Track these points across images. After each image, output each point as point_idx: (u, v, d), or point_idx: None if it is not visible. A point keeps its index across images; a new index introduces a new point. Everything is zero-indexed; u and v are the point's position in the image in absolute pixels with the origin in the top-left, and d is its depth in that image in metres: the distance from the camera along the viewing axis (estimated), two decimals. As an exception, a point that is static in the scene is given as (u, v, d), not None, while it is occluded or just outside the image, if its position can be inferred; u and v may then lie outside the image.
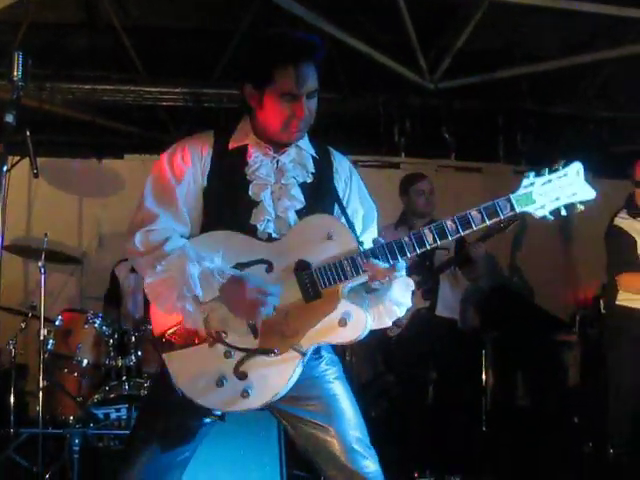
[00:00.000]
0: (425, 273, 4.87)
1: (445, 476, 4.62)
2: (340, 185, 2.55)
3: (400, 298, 2.46)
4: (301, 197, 2.46)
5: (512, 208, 2.29)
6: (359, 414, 2.49)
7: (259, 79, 2.38)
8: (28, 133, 2.78)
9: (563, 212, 2.33)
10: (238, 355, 2.30)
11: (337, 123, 6.63)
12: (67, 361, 4.72)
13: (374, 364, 5.67)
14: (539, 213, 2.32)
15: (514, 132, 7.17)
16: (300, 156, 2.52)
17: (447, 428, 4.93)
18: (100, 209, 6.42)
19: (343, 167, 2.59)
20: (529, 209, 2.31)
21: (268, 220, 2.41)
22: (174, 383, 2.32)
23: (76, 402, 4.59)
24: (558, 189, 2.31)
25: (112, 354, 4.71)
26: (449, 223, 2.29)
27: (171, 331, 2.33)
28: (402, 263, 2.31)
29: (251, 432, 3.60)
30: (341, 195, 2.53)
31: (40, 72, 5.88)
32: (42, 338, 4.63)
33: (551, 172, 2.33)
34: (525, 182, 2.32)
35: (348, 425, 2.43)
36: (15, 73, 2.37)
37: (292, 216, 2.44)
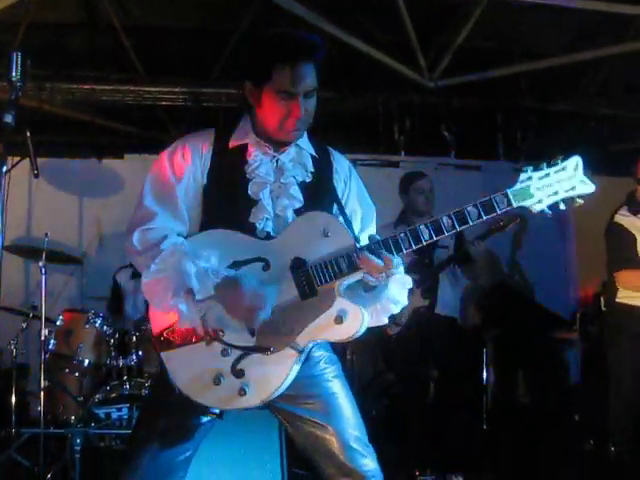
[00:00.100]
0: (424, 271, 4.87)
1: (446, 474, 4.62)
2: (339, 185, 2.55)
3: (397, 296, 2.46)
4: (300, 196, 2.46)
5: (509, 203, 2.27)
6: (358, 412, 2.49)
7: (258, 76, 2.39)
8: (28, 133, 2.79)
9: (562, 206, 2.29)
10: (235, 353, 2.30)
11: (337, 122, 6.64)
12: (68, 361, 4.73)
13: (375, 363, 5.67)
14: (537, 207, 2.29)
15: (514, 130, 7.18)
16: (300, 155, 2.52)
17: (448, 426, 4.93)
18: (100, 209, 6.43)
19: (342, 167, 2.59)
20: (526, 204, 2.28)
21: (267, 219, 2.42)
22: (172, 381, 2.32)
23: (77, 402, 4.60)
24: (556, 183, 2.28)
25: (113, 354, 4.72)
26: (445, 219, 2.28)
27: (169, 330, 2.34)
28: (398, 259, 2.31)
29: (252, 430, 3.60)
30: (340, 195, 2.53)
31: (40, 72, 5.90)
32: (43, 338, 4.64)
33: (549, 166, 2.30)
34: (522, 176, 2.29)
35: (347, 423, 2.43)
36: (14, 73, 2.37)
37: (291, 215, 2.44)
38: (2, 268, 2.29)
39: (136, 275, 4.73)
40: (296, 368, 2.31)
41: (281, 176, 2.47)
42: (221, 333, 2.30)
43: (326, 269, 2.31)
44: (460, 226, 2.28)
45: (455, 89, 6.37)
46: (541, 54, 6.23)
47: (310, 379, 2.43)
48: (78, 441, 4.02)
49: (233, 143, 2.49)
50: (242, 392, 2.28)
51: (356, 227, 2.50)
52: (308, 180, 2.50)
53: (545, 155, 2.38)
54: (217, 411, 2.36)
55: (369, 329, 2.35)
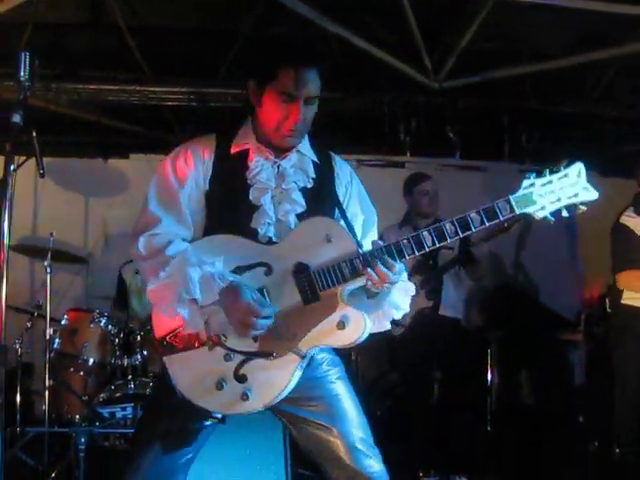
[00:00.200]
0: (429, 273, 4.87)
1: (450, 475, 4.62)
2: (340, 190, 2.56)
3: (399, 303, 2.47)
4: (302, 201, 2.47)
5: (512, 210, 2.27)
6: (362, 414, 2.49)
7: (262, 75, 2.40)
8: (34, 133, 2.79)
9: (565, 213, 2.30)
10: (238, 358, 2.31)
11: (342, 122, 6.64)
12: (73, 360, 4.74)
13: (379, 363, 5.67)
14: (540, 214, 2.29)
15: (519, 131, 7.16)
16: (301, 161, 2.53)
17: (452, 427, 4.93)
18: (106, 209, 6.44)
19: (344, 172, 2.60)
20: (529, 210, 2.29)
21: (269, 224, 2.43)
22: (175, 386, 2.33)
23: (82, 401, 4.61)
24: (559, 190, 2.29)
25: (118, 353, 4.73)
26: (448, 225, 2.28)
27: (172, 334, 2.34)
28: (401, 266, 2.31)
29: (256, 431, 3.59)
30: (341, 199, 2.54)
31: (46, 72, 5.90)
32: (48, 337, 4.66)
33: (552, 173, 2.30)
34: (525, 183, 2.30)
35: (351, 425, 2.44)
36: (22, 73, 2.38)
37: (293, 220, 2.45)
38: (8, 267, 2.29)
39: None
40: (298, 373, 2.32)
41: (282, 182, 2.47)
42: (224, 338, 2.31)
43: (329, 274, 2.31)
44: (463, 232, 2.28)
45: (460, 90, 6.36)
46: (547, 55, 6.21)
47: (313, 381, 2.44)
48: (82, 440, 4.02)
49: (234, 148, 2.51)
50: (244, 397, 2.29)
51: (357, 232, 2.50)
52: (309, 186, 2.50)
53: (550, 156, 2.39)
54: (219, 416, 2.36)
55: (372, 334, 2.35)
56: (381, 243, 2.31)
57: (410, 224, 4.97)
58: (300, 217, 2.46)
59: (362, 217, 2.57)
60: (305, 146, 2.54)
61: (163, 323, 2.36)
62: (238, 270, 2.35)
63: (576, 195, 2.29)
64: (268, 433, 3.65)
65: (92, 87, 6.32)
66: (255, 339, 2.31)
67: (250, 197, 2.44)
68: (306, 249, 2.35)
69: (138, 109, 6.77)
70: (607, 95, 6.69)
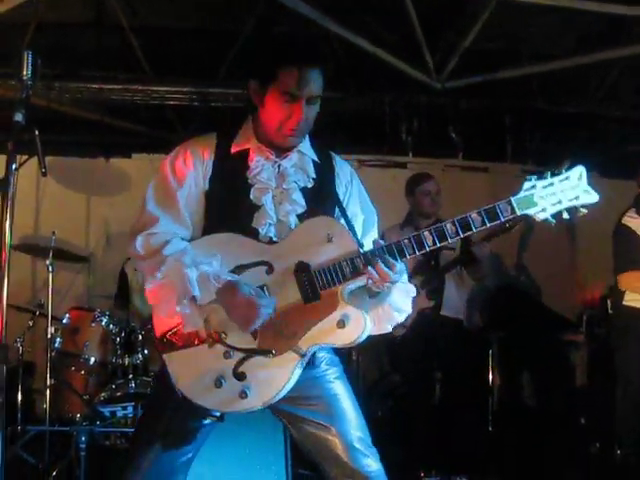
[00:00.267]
0: (430, 273, 4.87)
1: (451, 476, 4.61)
2: (341, 189, 2.56)
3: (400, 304, 2.47)
4: (302, 201, 2.47)
5: (513, 211, 2.28)
6: (360, 414, 2.49)
7: (264, 75, 2.40)
8: (36, 132, 2.79)
9: (565, 215, 2.31)
10: (237, 356, 2.31)
11: (344, 122, 6.64)
12: (74, 359, 4.75)
13: (380, 364, 5.67)
14: (540, 216, 2.30)
15: (521, 132, 7.16)
16: (302, 161, 2.53)
17: (453, 427, 4.92)
18: (107, 208, 6.44)
19: (344, 172, 2.60)
20: (530, 212, 2.30)
21: (269, 224, 2.43)
22: (174, 384, 2.33)
23: (83, 400, 4.61)
24: (560, 192, 2.30)
25: (119, 352, 4.74)
26: (449, 226, 2.29)
27: (172, 332, 2.34)
28: (402, 265, 2.31)
29: (257, 431, 3.59)
30: (341, 199, 2.54)
31: (48, 72, 5.90)
32: (49, 336, 4.66)
33: (553, 175, 2.31)
34: (526, 185, 2.31)
35: (349, 424, 2.44)
36: (24, 72, 2.38)
37: (293, 220, 2.45)
38: (10, 266, 2.29)
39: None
40: (298, 372, 2.32)
41: (283, 182, 2.47)
42: (224, 335, 2.31)
43: (329, 273, 2.31)
44: (464, 233, 2.29)
45: (463, 90, 6.36)
46: (550, 56, 6.21)
47: (312, 381, 2.44)
48: (83, 439, 4.03)
49: (235, 148, 2.50)
50: (243, 395, 2.29)
51: (358, 231, 2.50)
52: (310, 185, 2.50)
53: (553, 157, 2.40)
54: (218, 414, 2.37)
55: (372, 335, 2.35)
56: (382, 242, 2.32)
57: (412, 225, 4.96)
58: (301, 217, 2.45)
59: (362, 217, 2.57)
60: (305, 145, 2.54)
61: (163, 321, 2.36)
62: (239, 269, 2.34)
63: (577, 198, 2.30)
64: (269, 433, 3.65)
65: (94, 86, 6.33)
66: (255, 337, 2.31)
67: (251, 197, 2.44)
68: (307, 248, 2.35)
69: (140, 109, 6.77)
70: (610, 95, 6.68)
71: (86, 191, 6.50)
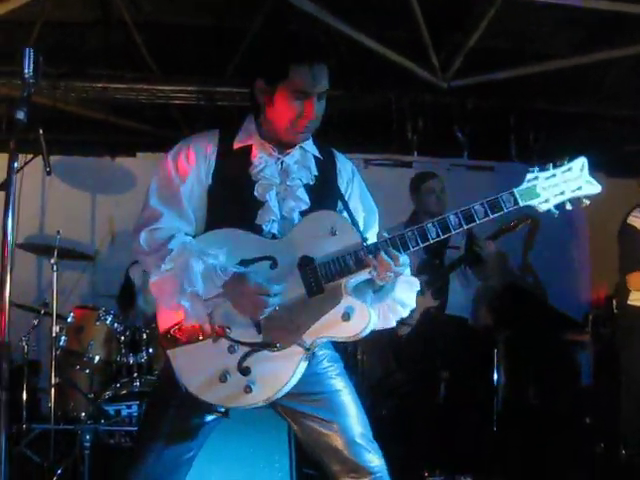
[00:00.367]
0: (435, 272, 4.86)
1: (455, 475, 4.60)
2: (342, 186, 2.56)
3: (404, 298, 2.48)
4: (306, 198, 2.47)
5: (515, 202, 2.31)
6: (362, 409, 2.50)
7: (273, 74, 2.39)
8: (41, 131, 2.79)
9: (568, 206, 2.33)
10: (242, 350, 2.31)
11: (349, 121, 6.63)
12: (79, 358, 4.76)
13: (385, 362, 5.65)
14: (543, 207, 2.33)
15: (527, 130, 7.14)
16: (304, 158, 2.53)
17: (457, 427, 4.91)
18: (113, 207, 6.44)
19: (346, 169, 2.60)
20: (533, 203, 2.32)
21: (273, 220, 2.43)
22: (178, 379, 2.33)
23: (87, 398, 4.62)
24: (562, 183, 2.33)
25: (123, 351, 4.74)
26: (452, 217, 2.31)
27: (176, 327, 2.34)
28: (405, 258, 2.32)
29: (261, 429, 3.60)
30: (343, 195, 2.54)
31: (54, 71, 5.93)
32: (54, 335, 4.67)
33: (555, 167, 2.34)
34: (529, 176, 2.33)
35: (351, 420, 2.44)
36: (26, 70, 2.38)
37: (297, 217, 2.45)
38: (15, 265, 2.30)
39: (148, 271, 4.73)
40: (303, 365, 2.32)
41: (287, 178, 2.48)
42: (228, 330, 2.31)
43: (333, 267, 2.32)
44: (467, 224, 2.30)
45: (468, 89, 6.35)
46: (556, 55, 6.20)
47: (313, 377, 2.44)
48: (88, 437, 4.03)
49: (237, 144, 2.50)
50: (248, 389, 2.29)
51: (360, 226, 2.49)
52: (312, 182, 2.50)
53: (558, 156, 2.40)
54: (222, 409, 2.36)
55: (377, 331, 2.35)
56: (386, 235, 2.33)
57: (416, 224, 4.93)
58: (304, 214, 2.45)
59: (363, 213, 2.58)
60: (308, 142, 2.54)
61: (167, 316, 2.36)
62: (243, 263, 2.35)
63: (579, 188, 2.32)
64: (273, 432, 3.65)
65: (100, 85, 6.33)
66: (259, 331, 2.31)
67: (255, 193, 2.44)
68: (311, 242, 2.36)
69: (146, 107, 6.78)
70: (615, 94, 6.66)
71: (91, 190, 6.50)
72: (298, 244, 2.36)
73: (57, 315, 4.75)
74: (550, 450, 5.10)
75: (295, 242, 2.37)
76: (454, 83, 6.15)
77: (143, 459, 2.42)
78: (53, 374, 4.56)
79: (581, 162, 2.33)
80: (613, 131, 7.10)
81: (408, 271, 2.41)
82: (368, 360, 5.54)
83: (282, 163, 2.50)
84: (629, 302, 4.46)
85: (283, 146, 2.50)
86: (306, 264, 2.34)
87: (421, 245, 2.32)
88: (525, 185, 2.32)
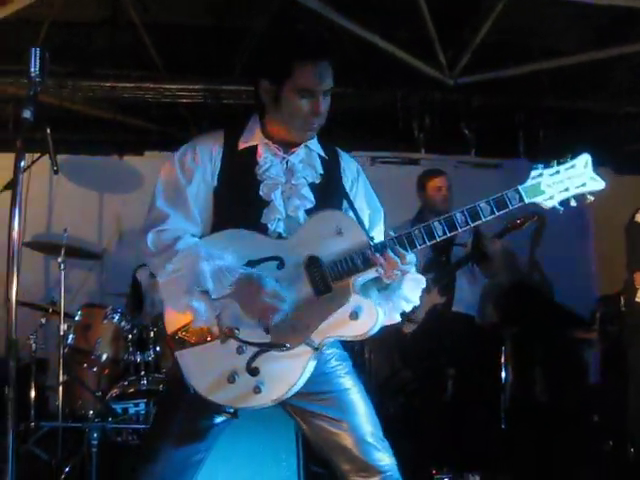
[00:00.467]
0: (442, 269, 4.86)
1: (463, 473, 4.59)
2: (347, 185, 2.56)
3: (410, 296, 2.48)
4: (311, 197, 2.47)
5: (521, 199, 2.33)
6: (371, 407, 2.49)
7: (278, 74, 2.39)
8: (48, 130, 2.80)
9: (573, 203, 2.35)
10: (250, 351, 2.30)
11: (356, 119, 6.62)
12: (86, 356, 4.76)
13: (391, 360, 5.65)
14: (548, 204, 2.34)
15: (534, 128, 7.12)
16: (309, 157, 2.53)
17: (465, 425, 4.91)
18: (120, 205, 6.46)
19: (350, 168, 2.60)
20: (538, 200, 2.34)
21: (279, 219, 2.43)
22: (187, 380, 2.33)
23: (95, 396, 4.63)
24: (567, 180, 2.34)
25: (131, 349, 4.74)
26: (458, 215, 2.32)
27: (183, 329, 2.34)
28: (412, 256, 2.32)
29: (269, 427, 3.59)
30: (348, 194, 2.54)
31: (61, 70, 5.94)
32: (62, 333, 4.68)
33: (559, 164, 2.36)
34: (534, 173, 2.35)
35: (361, 418, 2.43)
36: (33, 69, 2.38)
37: (302, 216, 2.45)
38: (23, 264, 2.31)
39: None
40: (312, 365, 2.32)
41: (292, 177, 2.47)
42: (236, 331, 2.30)
43: (341, 266, 2.32)
44: (473, 222, 2.32)
45: (475, 87, 6.33)
46: (563, 51, 6.18)
47: (322, 376, 2.43)
48: (95, 435, 4.03)
49: (242, 145, 2.50)
50: (257, 390, 2.29)
51: (365, 225, 2.50)
52: (318, 181, 2.51)
53: (566, 153, 2.41)
54: (232, 410, 2.36)
55: (383, 327, 2.35)
56: (392, 233, 2.34)
57: (423, 221, 4.91)
58: (309, 213, 2.46)
59: (368, 212, 2.58)
60: (312, 141, 2.54)
61: (175, 318, 2.36)
62: (250, 264, 2.35)
63: (584, 185, 2.34)
64: (281, 430, 3.64)
65: (107, 84, 6.34)
66: (268, 331, 2.31)
67: (260, 193, 2.44)
68: (317, 242, 2.36)
69: (153, 106, 6.78)
70: (623, 91, 6.63)
71: (99, 189, 6.52)
72: (305, 244, 2.36)
73: (65, 313, 4.76)
74: (558, 448, 5.08)
75: (302, 242, 2.37)
76: (461, 80, 6.14)
77: (152, 460, 2.41)
78: (61, 372, 4.57)
79: (585, 159, 2.35)
80: (621, 128, 7.07)
81: (414, 269, 2.41)
82: (375, 358, 5.54)
83: (287, 162, 2.50)
84: (637, 299, 4.44)
85: (288, 145, 2.50)
86: (313, 264, 2.33)
87: (428, 243, 2.33)
88: (530, 182, 2.34)
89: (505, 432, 5.43)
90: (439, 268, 4.84)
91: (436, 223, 2.32)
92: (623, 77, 6.56)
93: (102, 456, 4.04)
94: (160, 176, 2.49)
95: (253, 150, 2.49)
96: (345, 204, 2.51)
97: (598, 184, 2.34)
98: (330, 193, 2.51)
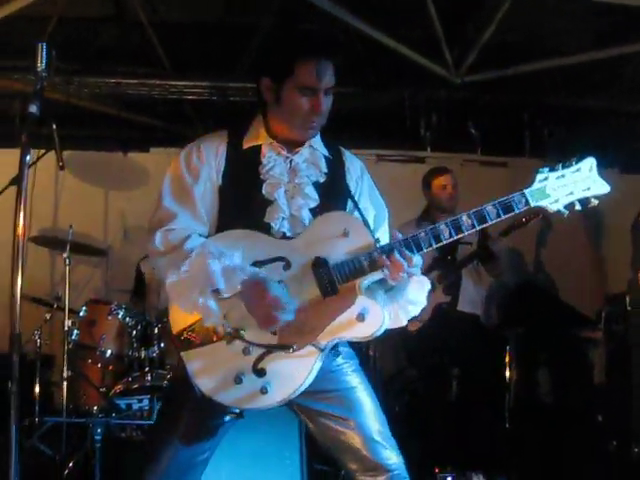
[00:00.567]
0: (447, 268, 4.85)
1: (466, 472, 4.59)
2: (351, 184, 2.56)
3: (416, 297, 2.48)
4: (315, 195, 2.47)
5: (527, 203, 2.34)
6: (378, 406, 2.48)
7: (279, 72, 2.39)
8: (54, 126, 2.80)
9: (577, 206, 2.36)
10: (256, 352, 2.31)
11: (362, 117, 6.62)
12: (91, 352, 4.78)
13: (396, 359, 5.65)
14: (553, 207, 2.35)
15: (540, 126, 7.10)
16: (313, 156, 2.54)
17: (469, 424, 4.90)
18: (125, 202, 6.46)
19: (355, 167, 2.60)
20: (543, 203, 2.35)
21: (282, 218, 2.43)
22: (192, 381, 2.33)
23: (99, 392, 4.65)
24: (572, 184, 2.36)
25: (135, 345, 4.76)
26: (465, 218, 2.32)
27: (189, 330, 2.35)
28: (419, 258, 2.32)
29: (272, 425, 3.59)
30: (352, 193, 2.54)
31: (67, 66, 5.93)
32: (66, 329, 4.69)
33: (564, 167, 2.37)
34: (539, 177, 2.36)
35: (368, 417, 2.43)
36: (39, 64, 2.39)
37: (306, 215, 2.45)
38: (28, 259, 2.31)
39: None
40: (318, 366, 2.32)
41: (295, 176, 2.48)
42: (243, 332, 2.31)
43: (348, 267, 2.32)
44: (479, 225, 2.33)
45: (482, 85, 6.32)
46: (569, 50, 6.16)
47: (328, 375, 2.43)
48: (99, 431, 4.05)
49: (246, 144, 2.51)
50: (264, 391, 2.29)
51: (370, 226, 2.49)
52: (322, 180, 2.51)
53: (572, 152, 2.42)
54: (237, 410, 2.36)
55: (388, 329, 2.35)
56: (400, 236, 2.33)
57: (428, 219, 4.93)
58: (313, 211, 2.46)
59: (373, 212, 2.57)
60: (316, 140, 2.55)
61: (181, 318, 2.36)
62: (256, 264, 2.34)
63: (589, 188, 2.35)
64: (284, 428, 3.65)
65: (113, 81, 6.34)
66: (274, 332, 2.31)
67: (263, 192, 2.44)
68: (324, 243, 2.35)
69: (158, 103, 6.78)
70: (630, 90, 6.61)
71: (104, 185, 6.52)
72: (311, 245, 2.36)
73: (69, 309, 4.77)
74: (562, 447, 5.07)
75: (308, 243, 2.37)
76: (467, 79, 6.12)
77: (157, 460, 2.41)
78: (65, 368, 4.58)
79: (590, 163, 2.37)
80: (628, 127, 7.05)
81: (419, 271, 2.41)
82: (380, 357, 5.53)
83: (291, 162, 2.50)
84: (642, 299, 4.43)
85: (292, 145, 2.50)
86: (320, 265, 2.33)
87: (434, 246, 2.33)
88: (536, 186, 2.35)
89: (509, 432, 5.42)
90: (445, 266, 4.84)
91: (442, 226, 2.32)
92: (630, 76, 6.53)
93: (106, 451, 4.06)
94: (166, 175, 2.49)
95: (257, 149, 2.49)
96: (350, 203, 2.51)
97: (603, 188, 2.35)
98: (334, 192, 2.51)
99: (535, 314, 6.11)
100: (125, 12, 5.95)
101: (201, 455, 2.46)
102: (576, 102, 6.77)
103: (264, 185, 2.45)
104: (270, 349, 2.30)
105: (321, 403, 2.43)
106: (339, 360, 2.49)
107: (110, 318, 4.82)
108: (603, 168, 2.38)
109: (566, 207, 2.36)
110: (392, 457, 2.41)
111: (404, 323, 2.52)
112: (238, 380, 2.29)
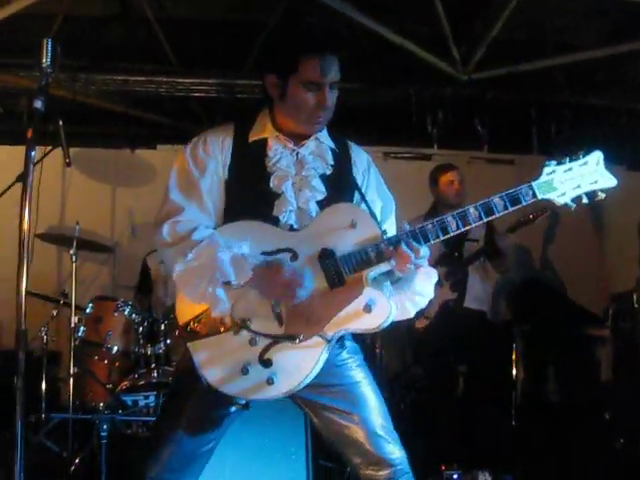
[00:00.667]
0: (454, 264, 4.84)
1: (473, 470, 4.58)
2: (358, 177, 2.56)
3: (423, 289, 2.48)
4: (322, 188, 2.47)
5: (534, 195, 2.34)
6: (382, 401, 2.48)
7: (283, 68, 2.39)
8: (61, 123, 2.80)
9: (585, 200, 2.37)
10: (263, 342, 2.31)
11: (369, 114, 6.61)
12: (97, 348, 4.78)
13: (403, 356, 5.66)
14: (560, 200, 2.36)
15: (548, 123, 7.08)
16: (319, 149, 2.54)
17: (476, 421, 4.89)
18: (132, 199, 6.47)
19: (361, 160, 2.60)
20: (551, 196, 2.36)
21: (290, 211, 2.43)
22: (199, 372, 2.33)
23: (105, 389, 4.65)
24: (579, 177, 2.36)
25: (141, 342, 4.76)
26: (472, 210, 2.33)
27: (196, 320, 2.35)
28: (426, 250, 2.32)
29: (278, 420, 3.59)
30: (359, 186, 2.54)
31: (74, 63, 5.95)
32: (73, 325, 4.69)
33: (572, 160, 2.37)
34: (547, 170, 2.36)
35: (371, 411, 2.43)
36: (44, 60, 2.39)
37: (313, 207, 2.45)
38: (35, 256, 2.32)
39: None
40: (324, 357, 2.32)
41: (302, 169, 2.48)
42: (249, 322, 2.31)
43: (355, 259, 2.32)
44: (486, 217, 2.33)
45: (489, 82, 6.31)
46: (577, 47, 6.14)
47: (333, 369, 2.43)
48: (105, 427, 4.05)
49: (252, 137, 2.51)
50: (270, 381, 2.29)
51: (377, 218, 2.49)
52: (328, 172, 2.51)
53: (579, 149, 2.41)
54: (243, 401, 2.36)
55: (399, 322, 2.35)
56: (407, 227, 2.34)
57: (436, 216, 4.89)
58: (320, 204, 2.46)
59: (380, 204, 2.57)
60: (323, 133, 2.55)
61: (187, 308, 2.36)
62: (263, 255, 2.35)
63: (596, 182, 2.36)
64: (290, 423, 3.64)
65: (120, 78, 6.35)
66: (281, 323, 2.31)
67: (270, 185, 2.44)
68: (331, 235, 2.36)
69: (165, 100, 6.80)
70: (637, 87, 6.58)
71: (111, 182, 6.53)
72: (318, 236, 2.36)
73: (76, 306, 4.77)
74: (569, 445, 5.07)
75: (315, 234, 2.37)
76: (475, 75, 6.12)
77: (162, 450, 2.42)
78: (72, 364, 4.58)
79: (597, 156, 2.37)
80: (635, 124, 7.02)
81: (426, 262, 2.40)
82: (386, 354, 5.54)
83: (297, 154, 2.50)
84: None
85: (298, 138, 2.50)
86: (327, 256, 2.34)
87: (441, 237, 2.34)
88: (543, 178, 2.36)
89: (516, 429, 5.42)
90: (451, 263, 4.83)
91: (450, 218, 2.33)
92: (637, 72, 6.50)
93: (112, 448, 4.06)
94: (173, 169, 2.49)
95: (263, 142, 2.50)
96: (357, 195, 2.51)
97: (610, 181, 2.36)
98: (341, 184, 2.51)
99: (542, 311, 6.10)
100: (131, 9, 5.97)
101: (206, 446, 2.46)
102: (583, 99, 6.75)
103: (271, 178, 2.45)
104: (277, 339, 2.30)
105: (325, 397, 2.43)
106: (344, 355, 2.49)
107: (116, 315, 4.82)
108: (612, 164, 2.38)
109: (573, 200, 2.36)
110: (395, 452, 2.42)
111: (411, 315, 2.52)
112: (245, 371, 2.29)
